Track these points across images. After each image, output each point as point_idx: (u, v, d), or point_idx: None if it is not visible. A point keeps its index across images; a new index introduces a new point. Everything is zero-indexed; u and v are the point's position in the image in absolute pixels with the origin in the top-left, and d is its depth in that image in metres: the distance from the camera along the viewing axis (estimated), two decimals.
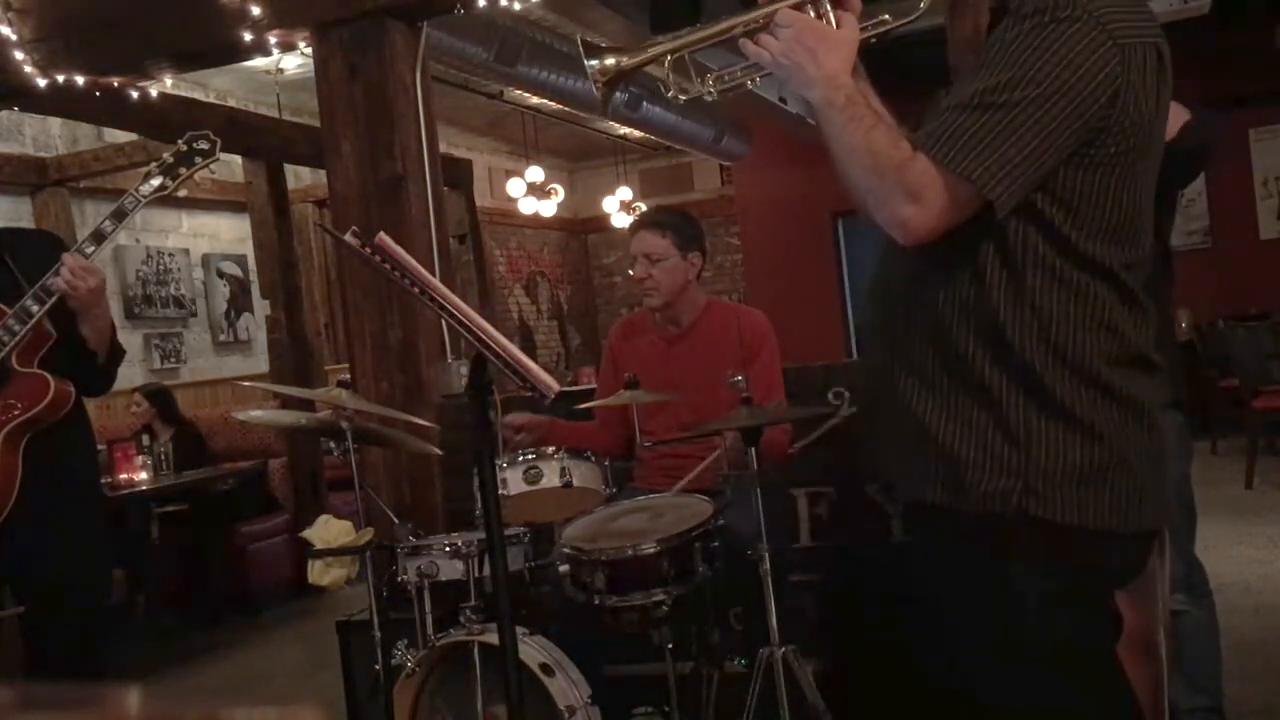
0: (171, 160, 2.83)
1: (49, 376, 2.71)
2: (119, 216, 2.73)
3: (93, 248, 2.70)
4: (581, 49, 1.69)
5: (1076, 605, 1.60)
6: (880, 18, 1.64)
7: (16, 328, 2.65)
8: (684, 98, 1.71)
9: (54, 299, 2.66)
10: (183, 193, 4.29)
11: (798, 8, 1.62)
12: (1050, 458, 1.53)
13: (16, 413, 2.66)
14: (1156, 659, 2.27)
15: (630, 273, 3.20)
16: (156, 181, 2.81)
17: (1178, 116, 2.63)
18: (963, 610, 1.65)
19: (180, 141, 2.84)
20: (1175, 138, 2.60)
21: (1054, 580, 1.58)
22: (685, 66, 1.71)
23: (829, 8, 1.61)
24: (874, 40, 1.64)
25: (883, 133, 1.53)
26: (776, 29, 1.59)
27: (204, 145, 2.84)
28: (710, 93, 1.69)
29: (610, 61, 1.68)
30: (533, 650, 2.63)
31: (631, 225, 3.32)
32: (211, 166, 2.89)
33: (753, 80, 1.68)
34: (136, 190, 2.78)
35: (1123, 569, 1.69)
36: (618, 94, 1.76)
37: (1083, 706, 1.63)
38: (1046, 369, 1.54)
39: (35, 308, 2.65)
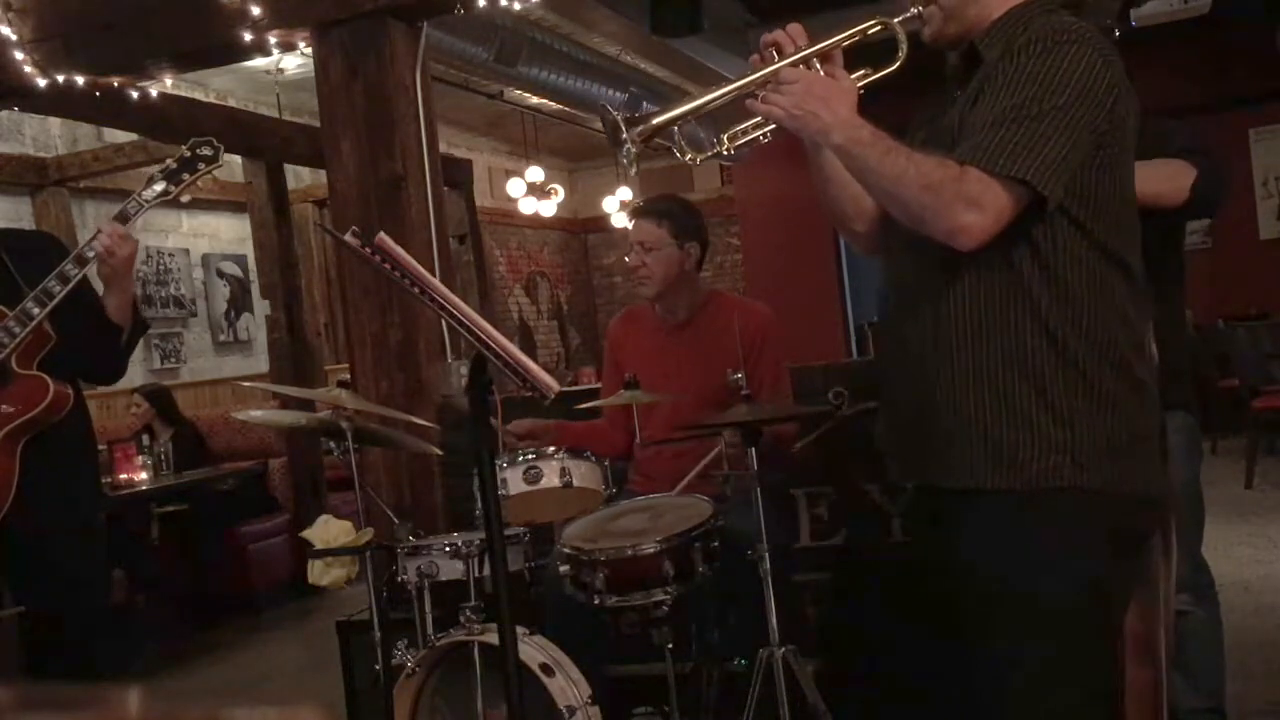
0: (175, 166, 2.82)
1: (48, 379, 2.70)
2: (121, 220, 2.74)
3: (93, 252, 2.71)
4: (621, 123, 1.77)
5: (1109, 567, 1.77)
6: (862, 71, 1.82)
7: (17, 330, 2.65)
8: (700, 159, 1.87)
9: (55, 300, 2.65)
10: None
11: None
12: (1091, 434, 1.72)
13: (14, 415, 2.66)
14: (1156, 662, 2.27)
15: (626, 259, 3.19)
16: (159, 187, 2.81)
17: (1183, 175, 2.56)
18: (1011, 582, 1.76)
19: (184, 147, 2.84)
20: (1187, 201, 2.55)
21: (1094, 545, 1.75)
22: (694, 130, 1.80)
23: (819, 65, 1.78)
24: (861, 92, 1.79)
25: (923, 156, 1.69)
26: (781, 86, 1.73)
27: (207, 151, 2.83)
28: (729, 150, 1.84)
29: (642, 128, 1.77)
30: (533, 650, 2.63)
31: (630, 212, 3.30)
32: None
33: (764, 135, 1.82)
34: (139, 195, 2.78)
35: (1139, 536, 1.90)
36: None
37: (1098, 666, 1.78)
38: (1081, 354, 1.72)
39: (36, 310, 2.65)
